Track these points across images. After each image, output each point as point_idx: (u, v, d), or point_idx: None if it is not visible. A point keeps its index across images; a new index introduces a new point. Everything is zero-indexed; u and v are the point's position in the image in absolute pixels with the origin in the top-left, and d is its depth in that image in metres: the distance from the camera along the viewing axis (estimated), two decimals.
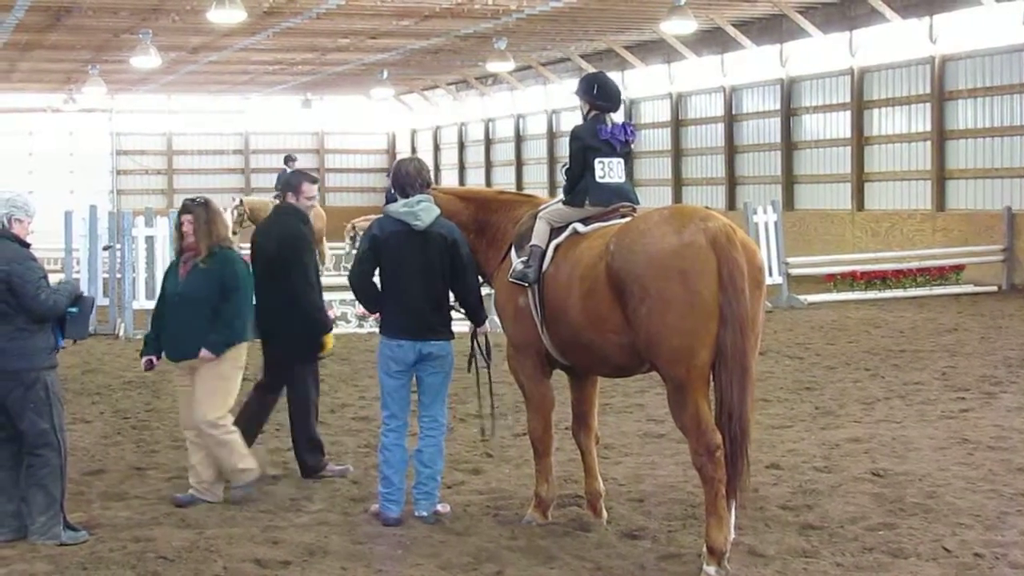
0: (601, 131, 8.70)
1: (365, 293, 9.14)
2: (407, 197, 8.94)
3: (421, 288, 8.85)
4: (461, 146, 52.17)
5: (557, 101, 43.66)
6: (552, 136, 44.51)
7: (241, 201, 28.91)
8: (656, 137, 38.75)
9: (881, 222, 30.11)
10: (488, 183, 46.99)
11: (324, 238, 29.03)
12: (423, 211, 8.86)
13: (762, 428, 11.48)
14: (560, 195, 8.90)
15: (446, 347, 8.96)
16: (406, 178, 9.02)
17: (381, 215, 9.13)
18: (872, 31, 30.48)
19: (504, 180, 47.19)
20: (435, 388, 9.01)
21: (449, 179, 51.09)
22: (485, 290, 9.43)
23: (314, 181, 10.73)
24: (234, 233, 30.35)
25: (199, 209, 9.61)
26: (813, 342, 18.48)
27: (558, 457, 9.17)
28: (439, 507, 9.01)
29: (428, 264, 8.84)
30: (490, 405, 9.40)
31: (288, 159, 31.31)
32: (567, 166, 8.82)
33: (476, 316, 9.18)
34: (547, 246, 8.56)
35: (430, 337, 8.88)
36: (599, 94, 8.84)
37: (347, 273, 9.80)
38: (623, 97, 9.86)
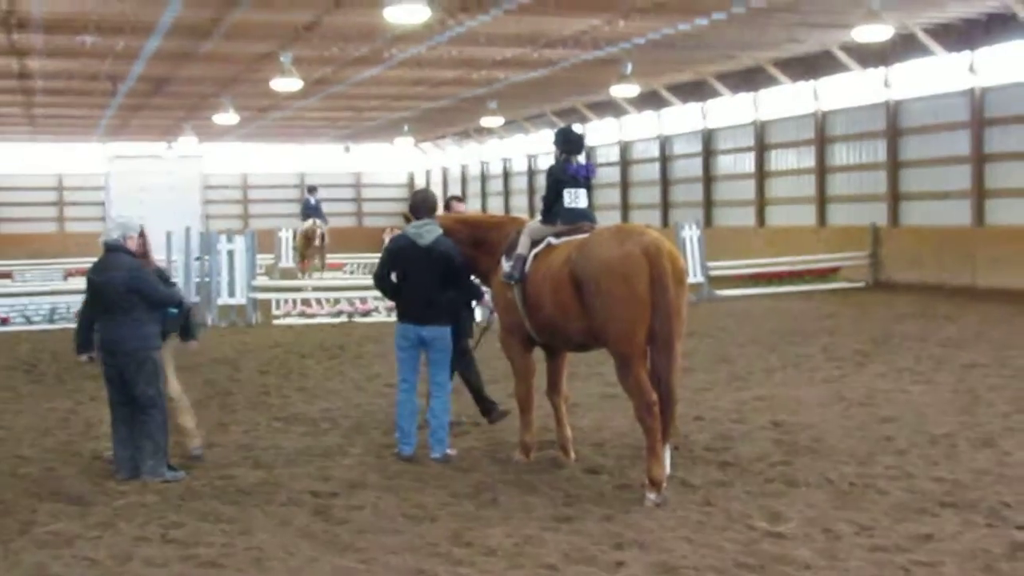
0: (569, 168, 8.75)
1: (384, 289, 9.24)
2: (419, 220, 8.99)
3: (423, 288, 8.87)
4: (463, 181, 52.12)
5: (535, 147, 43.65)
6: (531, 173, 44.47)
7: (314, 221, 28.73)
8: (609, 173, 38.74)
9: (777, 235, 30.14)
10: (484, 209, 46.94)
11: (325, 251, 29.10)
12: (427, 232, 8.91)
13: (689, 390, 11.48)
14: (539, 216, 8.92)
15: (441, 331, 8.94)
16: (415, 205, 9.11)
17: (400, 232, 9.20)
18: (771, 92, 30.54)
19: (496, 206, 47.17)
20: (439, 362, 9.01)
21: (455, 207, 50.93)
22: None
23: (461, 200, 11.07)
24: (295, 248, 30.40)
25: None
26: (727, 326, 18.47)
27: (538, 413, 9.16)
28: (448, 451, 8.98)
29: (428, 270, 8.86)
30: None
31: (311, 189, 30.81)
32: (544, 195, 8.86)
33: (473, 298, 9.39)
34: (528, 254, 8.58)
35: (429, 323, 8.89)
36: (566, 142, 8.89)
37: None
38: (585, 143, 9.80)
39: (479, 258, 9.21)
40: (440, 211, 9.79)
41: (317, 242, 28.80)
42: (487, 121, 37.64)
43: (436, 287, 8.90)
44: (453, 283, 8.99)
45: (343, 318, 20.97)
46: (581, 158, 8.92)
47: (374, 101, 35.71)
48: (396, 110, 38.39)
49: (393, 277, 9.06)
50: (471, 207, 50.37)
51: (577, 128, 9.32)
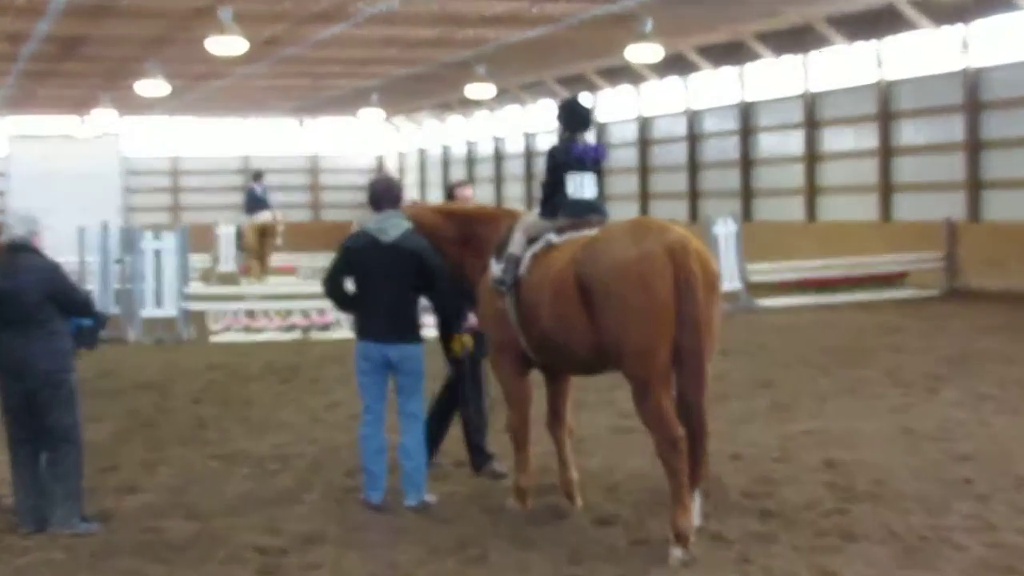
0: (574, 149, 8.79)
1: (336, 297, 9.23)
2: (380, 212, 9.00)
3: (387, 296, 8.87)
4: (445, 164, 52.16)
5: (532, 123, 43.70)
6: (528, 155, 44.53)
7: (273, 215, 29.05)
8: (624, 155, 38.77)
9: (831, 232, 30.19)
10: None
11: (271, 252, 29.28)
12: (392, 227, 8.91)
13: (723, 422, 11.47)
14: (536, 208, 8.95)
15: (411, 350, 8.93)
16: (375, 196, 9.12)
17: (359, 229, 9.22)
18: (823, 55, 30.61)
19: (485, 196, 47.20)
20: (409, 388, 9.00)
21: (435, 196, 51.03)
22: None
23: (466, 184, 11.23)
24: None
25: None
26: (769, 342, 18.49)
27: (536, 449, 9.16)
28: (426, 497, 8.98)
29: (394, 274, 8.85)
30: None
31: (257, 176, 30.96)
32: (544, 182, 8.89)
33: (451, 322, 9.26)
34: (524, 254, 8.59)
35: (395, 341, 8.87)
36: (571, 118, 8.94)
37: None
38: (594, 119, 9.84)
39: (467, 260, 9.23)
40: (412, 205, 9.83)
41: (279, 240, 28.89)
42: (474, 91, 37.64)
43: (403, 296, 8.90)
44: (427, 290, 8.98)
45: (296, 333, 20.97)
46: (589, 137, 8.97)
47: (336, 66, 35.74)
48: (362, 77, 38.43)
49: (350, 284, 9.05)
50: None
51: (584, 100, 9.34)
